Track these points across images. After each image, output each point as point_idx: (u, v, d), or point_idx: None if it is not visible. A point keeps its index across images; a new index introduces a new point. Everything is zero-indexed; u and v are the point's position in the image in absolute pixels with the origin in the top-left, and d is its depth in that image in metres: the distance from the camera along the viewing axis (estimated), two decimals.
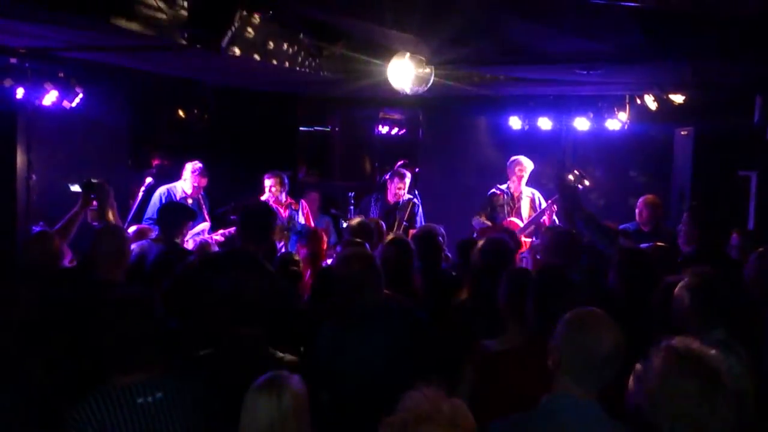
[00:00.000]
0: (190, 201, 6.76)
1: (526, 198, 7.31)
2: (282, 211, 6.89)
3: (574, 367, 2.36)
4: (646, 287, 3.82)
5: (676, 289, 3.36)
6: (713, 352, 2.21)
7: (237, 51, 4.65)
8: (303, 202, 7.24)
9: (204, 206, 6.87)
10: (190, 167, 6.92)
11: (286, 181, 7.04)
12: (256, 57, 5.01)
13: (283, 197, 6.94)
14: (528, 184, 7.44)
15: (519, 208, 7.27)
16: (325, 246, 5.91)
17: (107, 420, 2.57)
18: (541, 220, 7.04)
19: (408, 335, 3.43)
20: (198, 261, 4.32)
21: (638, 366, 2.24)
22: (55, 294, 3.76)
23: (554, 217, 7.04)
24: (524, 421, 2.38)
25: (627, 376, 2.28)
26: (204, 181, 6.94)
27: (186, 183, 6.91)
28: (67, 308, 3.57)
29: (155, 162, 8.14)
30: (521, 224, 7.11)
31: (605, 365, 2.35)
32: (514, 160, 7.38)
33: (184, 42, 4.46)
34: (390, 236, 6.56)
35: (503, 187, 7.36)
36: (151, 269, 4.64)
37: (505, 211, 7.23)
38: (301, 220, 6.98)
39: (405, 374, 3.33)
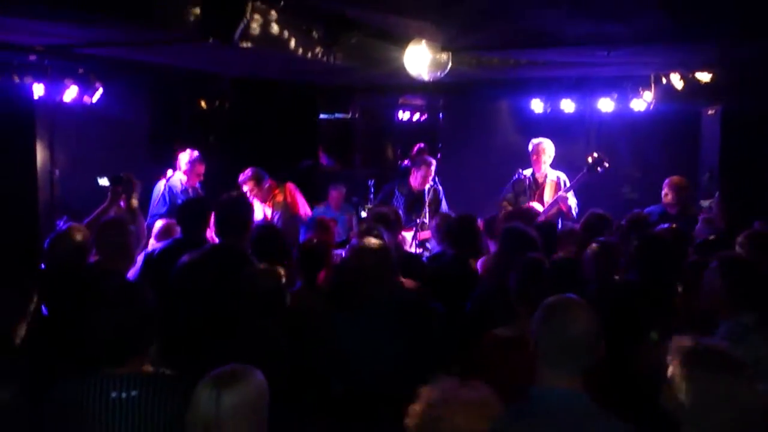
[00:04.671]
0: (190, 191, 6.69)
1: (550, 181, 7.17)
2: (266, 207, 6.89)
3: (548, 353, 2.34)
4: (663, 271, 3.80)
5: (707, 271, 3.33)
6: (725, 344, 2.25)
7: (250, 43, 4.63)
8: (289, 185, 7.12)
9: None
10: (187, 157, 6.74)
11: (261, 172, 6.94)
12: (270, 48, 4.98)
13: (266, 190, 6.91)
14: (552, 167, 7.33)
15: (542, 192, 7.14)
16: (333, 235, 5.85)
17: (78, 408, 2.52)
18: (558, 207, 6.93)
19: (421, 326, 3.42)
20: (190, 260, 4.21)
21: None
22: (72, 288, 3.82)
23: (570, 203, 6.94)
24: (514, 415, 2.31)
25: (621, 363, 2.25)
26: (202, 168, 6.78)
27: (182, 174, 6.74)
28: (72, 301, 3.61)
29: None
30: (541, 209, 7.00)
31: (579, 350, 2.32)
32: (536, 143, 7.24)
33: (197, 36, 4.46)
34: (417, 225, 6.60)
35: (527, 172, 7.24)
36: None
37: (528, 196, 7.12)
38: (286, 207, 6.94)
39: (418, 365, 3.36)
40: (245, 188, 6.86)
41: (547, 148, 7.17)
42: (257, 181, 6.88)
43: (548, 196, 7.11)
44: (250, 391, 2.29)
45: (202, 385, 2.29)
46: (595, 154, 6.94)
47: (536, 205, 7.00)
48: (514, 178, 7.25)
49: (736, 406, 2.06)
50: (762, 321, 3.12)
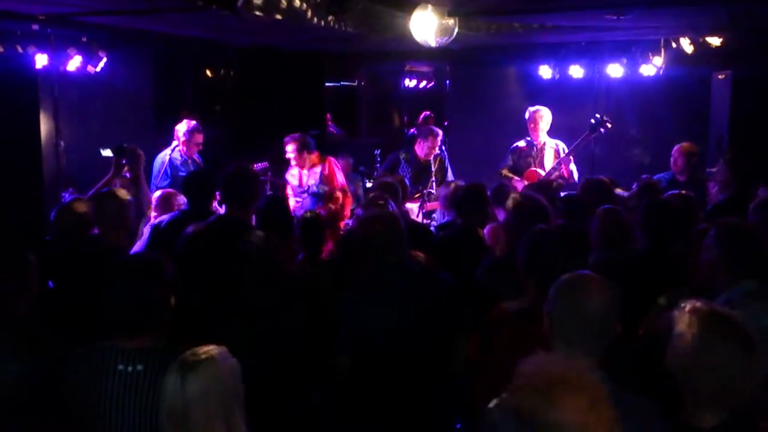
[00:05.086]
0: (189, 163, 6.64)
1: (549, 149, 7.16)
2: (305, 174, 6.85)
3: (564, 332, 2.31)
4: (671, 237, 3.78)
5: (706, 239, 3.27)
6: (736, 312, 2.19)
7: (254, 10, 4.56)
8: (330, 159, 7.06)
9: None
10: (184, 127, 6.62)
11: (309, 140, 6.88)
12: (275, 15, 4.90)
13: (308, 158, 6.86)
14: (559, 134, 7.28)
15: (542, 158, 7.13)
16: (346, 206, 5.81)
17: (87, 378, 2.54)
18: (559, 172, 6.90)
19: (430, 297, 3.40)
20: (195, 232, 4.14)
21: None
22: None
23: (571, 167, 6.91)
24: None
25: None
26: (201, 138, 6.67)
27: (181, 145, 6.64)
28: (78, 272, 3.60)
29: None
30: (543, 174, 6.98)
31: (595, 329, 2.29)
32: (533, 111, 7.21)
33: (200, 3, 4.39)
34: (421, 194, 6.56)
35: (529, 139, 7.22)
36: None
37: (528, 162, 7.10)
38: (322, 179, 6.87)
39: (428, 336, 3.36)
40: (287, 148, 6.81)
41: (544, 115, 7.14)
42: (300, 146, 6.79)
43: (548, 163, 7.09)
44: (217, 372, 2.21)
45: (167, 371, 2.22)
46: (598, 115, 6.92)
47: (538, 171, 7.00)
48: (512, 147, 7.22)
49: (726, 372, 2.03)
50: (763, 288, 3.06)
